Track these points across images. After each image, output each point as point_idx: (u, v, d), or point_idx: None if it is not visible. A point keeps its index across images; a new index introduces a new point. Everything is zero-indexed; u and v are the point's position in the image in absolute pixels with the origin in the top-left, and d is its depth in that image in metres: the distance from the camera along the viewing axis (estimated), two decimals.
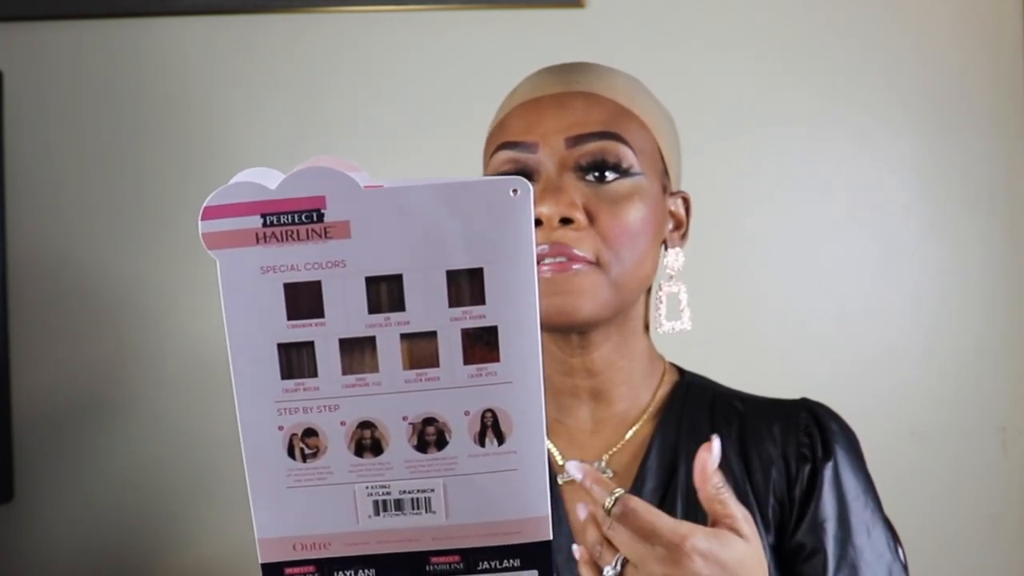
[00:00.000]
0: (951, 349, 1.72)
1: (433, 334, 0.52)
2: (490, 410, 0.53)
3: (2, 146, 1.49)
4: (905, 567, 0.95)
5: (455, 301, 0.52)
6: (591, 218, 0.90)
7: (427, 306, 0.52)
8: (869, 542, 0.93)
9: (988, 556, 1.71)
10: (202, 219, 0.51)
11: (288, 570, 0.55)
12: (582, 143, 0.91)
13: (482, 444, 0.53)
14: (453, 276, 0.51)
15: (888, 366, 1.71)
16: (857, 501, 0.95)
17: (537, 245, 0.87)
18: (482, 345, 0.52)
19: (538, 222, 0.88)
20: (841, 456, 0.96)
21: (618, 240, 0.90)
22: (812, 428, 0.97)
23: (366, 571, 0.54)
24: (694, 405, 0.99)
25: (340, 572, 0.55)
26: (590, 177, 0.91)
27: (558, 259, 0.88)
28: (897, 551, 0.95)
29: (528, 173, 0.92)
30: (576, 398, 0.98)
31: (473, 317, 0.52)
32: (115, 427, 1.65)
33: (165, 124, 1.66)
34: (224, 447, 1.65)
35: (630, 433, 0.98)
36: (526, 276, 0.52)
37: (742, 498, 0.93)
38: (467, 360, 0.52)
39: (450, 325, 0.52)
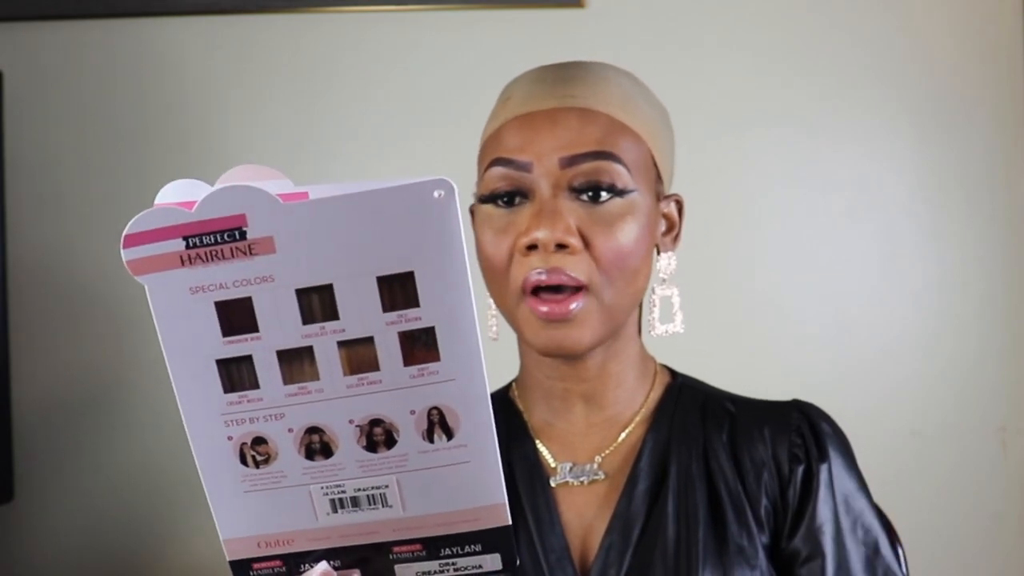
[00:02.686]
0: (951, 349, 1.72)
1: (371, 339, 0.52)
2: (436, 408, 0.54)
3: (2, 146, 1.49)
4: (901, 563, 0.96)
5: (389, 306, 0.52)
6: (585, 241, 0.90)
7: (361, 313, 0.52)
8: (864, 541, 0.94)
9: (988, 556, 1.71)
10: (124, 247, 0.52)
11: (256, 565, 0.57)
12: (576, 163, 0.91)
13: (431, 440, 0.54)
14: (384, 281, 0.52)
15: (888, 366, 1.71)
16: (852, 502, 0.95)
17: (534, 270, 0.89)
18: (420, 346, 0.53)
19: (534, 246, 0.89)
20: (835, 458, 0.96)
21: (612, 264, 0.91)
22: (804, 429, 0.97)
23: (331, 563, 0.56)
24: (686, 407, 1.00)
25: (306, 564, 0.56)
26: (584, 197, 0.91)
27: (557, 295, 0.89)
28: (895, 548, 0.96)
29: (523, 192, 0.92)
30: (568, 401, 0.99)
31: (408, 320, 0.52)
32: (115, 427, 1.65)
33: (165, 123, 1.66)
34: None
35: (623, 436, 0.98)
36: (458, 275, 0.52)
37: (734, 499, 0.94)
38: (407, 362, 0.53)
39: (386, 329, 0.52)
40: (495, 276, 0.92)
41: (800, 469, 0.95)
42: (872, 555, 0.94)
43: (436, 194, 0.51)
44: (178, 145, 1.66)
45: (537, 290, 0.90)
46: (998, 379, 1.72)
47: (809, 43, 1.71)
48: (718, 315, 1.62)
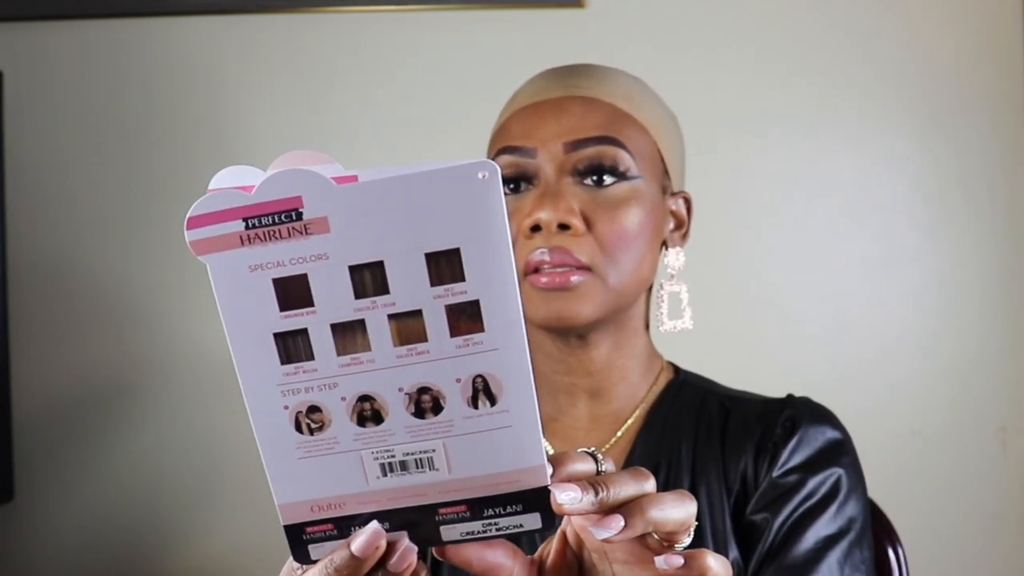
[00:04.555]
0: (951, 349, 1.72)
1: (419, 312, 0.55)
2: (480, 375, 0.56)
3: (2, 146, 1.49)
4: (855, 552, 0.93)
5: (436, 280, 0.55)
6: (588, 224, 0.92)
7: (410, 287, 0.55)
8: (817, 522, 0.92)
9: (988, 556, 1.71)
10: (187, 229, 0.55)
11: (309, 529, 0.59)
12: (580, 148, 0.92)
13: (475, 406, 0.57)
14: (432, 257, 0.54)
15: (888, 366, 1.71)
16: (812, 476, 0.93)
17: (537, 249, 0.90)
18: (466, 318, 0.55)
19: (537, 227, 0.91)
20: (801, 434, 0.95)
21: (614, 246, 0.92)
22: (788, 421, 0.96)
23: (382, 524, 0.58)
24: (682, 404, 1.00)
25: (356, 527, 0.59)
26: (588, 181, 0.92)
27: (558, 269, 0.90)
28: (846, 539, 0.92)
29: (527, 177, 0.93)
30: (573, 396, 0.99)
31: (455, 294, 0.55)
32: (116, 427, 1.65)
33: (165, 123, 1.66)
34: (224, 447, 1.65)
35: (621, 431, 0.99)
36: (501, 252, 0.54)
37: (713, 498, 0.93)
38: (453, 333, 0.55)
39: (434, 302, 0.55)
40: None
41: (771, 453, 0.94)
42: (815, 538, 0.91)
43: (481, 175, 0.53)
44: (178, 145, 1.66)
45: (538, 270, 0.91)
46: (998, 379, 1.72)
47: (809, 43, 1.71)
48: (718, 315, 1.62)
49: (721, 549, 0.91)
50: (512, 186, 0.93)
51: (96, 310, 1.65)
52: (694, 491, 0.94)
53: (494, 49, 1.67)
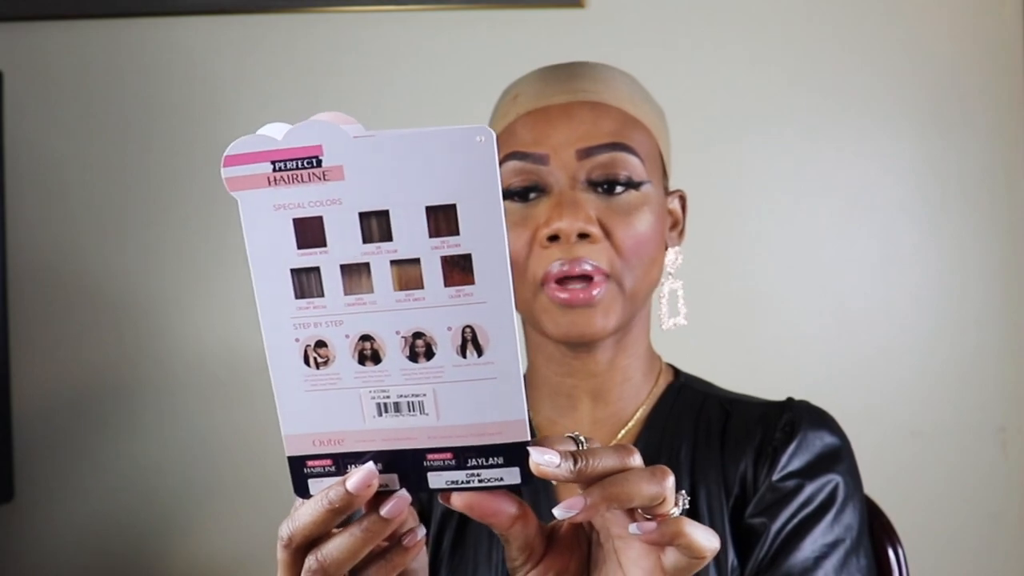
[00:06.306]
0: (951, 349, 1.72)
1: (417, 261, 0.60)
2: (469, 326, 0.61)
3: (2, 146, 1.49)
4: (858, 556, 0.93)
5: (434, 232, 0.59)
6: (605, 231, 0.92)
7: (411, 237, 0.60)
8: (817, 527, 0.92)
9: (988, 556, 1.71)
10: (223, 166, 0.60)
11: (309, 463, 0.64)
12: (592, 155, 0.93)
13: (464, 356, 0.61)
14: (431, 211, 0.59)
15: (888, 366, 1.71)
16: (810, 482, 0.93)
17: (555, 261, 0.91)
18: (459, 270, 0.60)
19: (556, 237, 0.91)
20: (801, 438, 0.95)
21: (632, 252, 0.93)
22: (788, 425, 0.97)
23: (375, 465, 0.62)
24: (683, 406, 1.00)
25: (352, 465, 0.63)
26: (600, 190, 0.93)
27: (578, 284, 0.91)
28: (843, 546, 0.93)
29: (539, 186, 0.93)
30: (574, 399, 0.99)
31: (450, 246, 0.59)
32: (115, 427, 1.66)
33: (165, 123, 1.66)
34: (223, 447, 1.65)
35: (622, 433, 0.99)
36: (493, 210, 0.59)
37: (712, 500, 0.93)
38: (447, 283, 0.60)
39: (431, 253, 0.60)
40: (512, 270, 0.93)
41: (770, 458, 0.95)
42: (821, 543, 0.91)
43: (478, 138, 0.58)
44: (179, 145, 1.66)
45: (558, 281, 0.91)
46: (997, 379, 1.72)
47: (809, 43, 1.71)
48: (718, 314, 1.62)
49: (719, 551, 0.91)
50: (520, 194, 0.93)
51: (95, 310, 1.65)
52: (693, 494, 0.95)
53: (494, 49, 1.67)
